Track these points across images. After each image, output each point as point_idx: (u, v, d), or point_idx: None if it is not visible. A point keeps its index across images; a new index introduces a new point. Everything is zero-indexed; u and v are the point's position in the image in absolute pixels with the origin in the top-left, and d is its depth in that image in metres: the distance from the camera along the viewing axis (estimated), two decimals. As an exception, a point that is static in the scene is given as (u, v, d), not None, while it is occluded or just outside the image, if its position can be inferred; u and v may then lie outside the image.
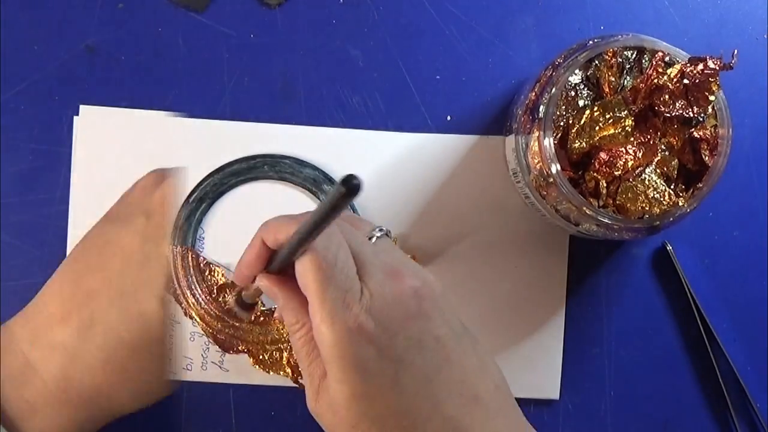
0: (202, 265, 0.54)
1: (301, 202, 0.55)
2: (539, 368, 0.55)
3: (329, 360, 0.39)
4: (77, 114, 0.54)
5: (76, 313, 0.47)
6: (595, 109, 0.45)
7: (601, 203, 0.46)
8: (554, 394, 0.55)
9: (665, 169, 0.46)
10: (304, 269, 0.39)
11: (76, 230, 0.54)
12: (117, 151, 0.54)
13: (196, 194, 0.54)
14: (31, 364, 0.46)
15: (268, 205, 0.55)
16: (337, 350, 0.38)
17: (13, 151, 0.54)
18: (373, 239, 0.43)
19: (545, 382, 0.55)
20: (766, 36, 0.56)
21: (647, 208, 0.45)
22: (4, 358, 0.46)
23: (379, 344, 0.39)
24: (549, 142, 0.45)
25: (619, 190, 0.45)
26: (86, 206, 0.54)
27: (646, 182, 0.45)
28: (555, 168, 0.45)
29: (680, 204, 0.45)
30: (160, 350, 0.48)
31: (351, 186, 0.33)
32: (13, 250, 0.54)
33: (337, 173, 0.54)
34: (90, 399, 0.46)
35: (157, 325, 0.48)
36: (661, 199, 0.45)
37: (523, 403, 0.55)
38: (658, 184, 0.45)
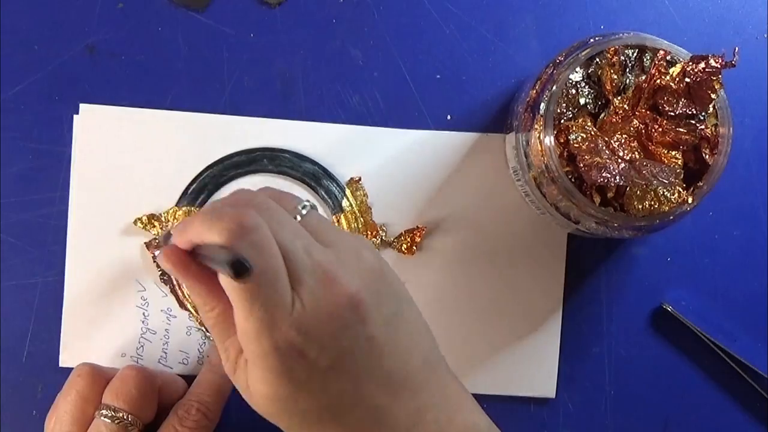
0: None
1: (299, 197, 0.54)
2: (536, 366, 0.55)
3: (253, 364, 0.38)
4: (77, 113, 0.54)
5: None
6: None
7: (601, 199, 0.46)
8: (550, 392, 0.55)
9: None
10: (229, 285, 0.37)
11: (76, 230, 0.54)
12: (117, 149, 0.54)
13: (194, 186, 0.54)
14: None
15: (266, 199, 0.55)
16: (261, 362, 0.37)
17: (13, 151, 0.54)
18: (298, 218, 0.41)
19: (541, 380, 0.55)
20: (766, 36, 0.56)
21: (656, 206, 0.45)
22: None
23: (308, 357, 0.38)
24: (549, 140, 0.45)
25: (628, 188, 0.45)
26: (86, 206, 0.54)
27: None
28: (555, 166, 0.45)
29: (689, 201, 0.45)
30: None
31: (238, 270, 0.33)
32: (13, 250, 0.54)
33: (338, 169, 0.54)
34: None
35: None
36: (671, 196, 0.45)
37: (521, 402, 0.55)
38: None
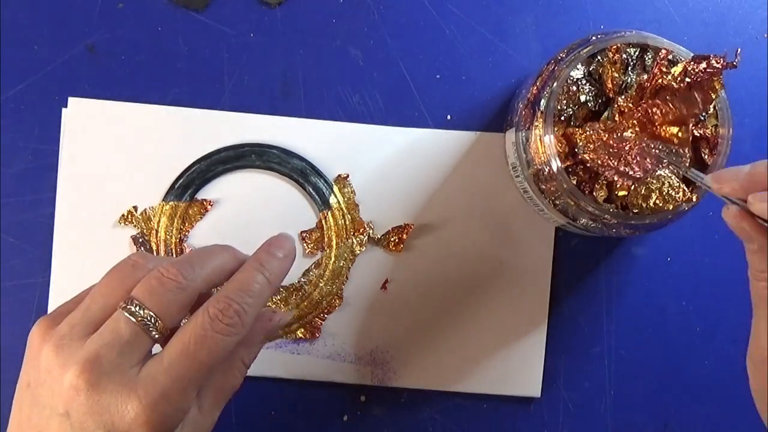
0: (185, 251, 0.54)
1: (287, 193, 0.55)
2: (521, 366, 0.55)
3: None
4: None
5: None
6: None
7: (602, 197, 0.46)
8: (536, 392, 0.55)
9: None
10: None
11: (63, 222, 0.54)
12: (105, 143, 0.54)
13: (181, 181, 0.54)
14: None
15: (254, 195, 0.55)
16: None
17: (13, 151, 0.54)
18: None
19: (527, 379, 0.55)
20: (766, 36, 0.56)
21: (660, 205, 0.45)
22: None
23: None
24: (549, 138, 0.45)
25: (633, 186, 0.45)
26: (73, 199, 0.54)
27: (662, 178, 0.45)
28: (555, 163, 0.45)
29: (693, 199, 0.45)
30: None
31: None
32: (13, 250, 0.54)
33: (334, 166, 0.55)
34: None
35: None
36: (676, 195, 0.45)
37: (521, 401, 0.55)
38: (673, 179, 0.45)
